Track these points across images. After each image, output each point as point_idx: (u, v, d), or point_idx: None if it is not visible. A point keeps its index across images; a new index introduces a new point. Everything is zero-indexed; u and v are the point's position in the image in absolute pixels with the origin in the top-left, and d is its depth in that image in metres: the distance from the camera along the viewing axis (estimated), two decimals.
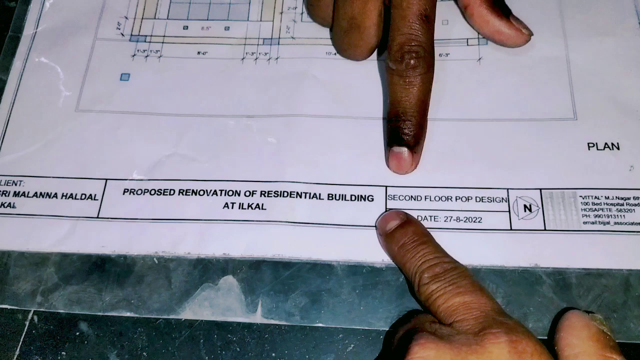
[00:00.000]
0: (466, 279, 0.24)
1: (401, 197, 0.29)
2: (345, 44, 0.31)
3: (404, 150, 0.28)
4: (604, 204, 0.28)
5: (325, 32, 0.33)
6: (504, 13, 0.31)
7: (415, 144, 0.28)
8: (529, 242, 0.27)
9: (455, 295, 0.24)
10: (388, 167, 0.29)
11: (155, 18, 0.34)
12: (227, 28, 0.34)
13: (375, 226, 0.28)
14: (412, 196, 0.29)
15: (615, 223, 0.27)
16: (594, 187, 0.28)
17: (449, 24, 0.32)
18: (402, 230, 0.27)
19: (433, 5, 0.28)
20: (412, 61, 0.28)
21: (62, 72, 0.33)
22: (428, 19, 0.28)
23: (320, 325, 0.27)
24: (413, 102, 0.28)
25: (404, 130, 0.28)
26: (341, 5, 0.30)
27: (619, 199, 0.28)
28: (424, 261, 0.25)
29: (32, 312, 0.27)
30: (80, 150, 0.31)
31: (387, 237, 0.27)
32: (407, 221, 0.27)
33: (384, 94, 0.31)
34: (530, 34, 0.31)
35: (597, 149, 0.29)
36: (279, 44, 0.33)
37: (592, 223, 0.28)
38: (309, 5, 0.32)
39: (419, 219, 0.28)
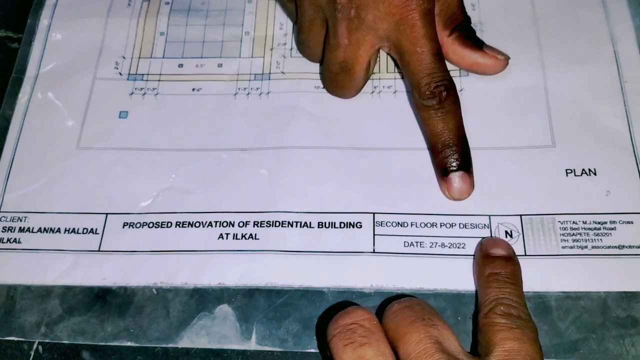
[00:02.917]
0: (533, 333, 0.25)
1: (388, 224, 0.30)
2: (334, 85, 0.32)
3: (461, 174, 0.29)
4: (582, 228, 0.29)
5: (313, 66, 0.34)
6: (477, 45, 0.32)
7: (468, 166, 0.30)
8: None
9: (516, 340, 0.24)
10: (449, 196, 0.30)
11: (151, 57, 0.36)
12: (220, 65, 0.35)
13: (480, 241, 0.29)
14: (398, 222, 0.30)
15: (593, 247, 0.29)
16: (572, 213, 0.29)
17: None
18: (504, 262, 0.27)
19: (439, 43, 0.30)
20: (444, 93, 0.29)
21: (64, 110, 0.34)
22: (441, 56, 0.30)
23: (312, 350, 0.28)
24: (455, 129, 0.30)
25: (454, 157, 0.29)
26: (333, 49, 0.31)
27: (596, 223, 0.29)
28: (507, 297, 0.26)
29: (37, 342, 0.29)
30: (81, 186, 0.32)
31: (487, 259, 0.28)
32: (512, 258, 0.28)
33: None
34: (507, 58, 0.32)
35: (575, 175, 0.30)
36: (269, 79, 0.34)
37: (571, 247, 0.29)
38: (298, 43, 0.34)
39: (405, 245, 0.29)
